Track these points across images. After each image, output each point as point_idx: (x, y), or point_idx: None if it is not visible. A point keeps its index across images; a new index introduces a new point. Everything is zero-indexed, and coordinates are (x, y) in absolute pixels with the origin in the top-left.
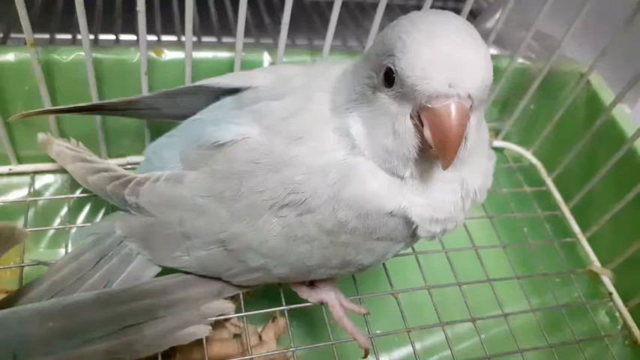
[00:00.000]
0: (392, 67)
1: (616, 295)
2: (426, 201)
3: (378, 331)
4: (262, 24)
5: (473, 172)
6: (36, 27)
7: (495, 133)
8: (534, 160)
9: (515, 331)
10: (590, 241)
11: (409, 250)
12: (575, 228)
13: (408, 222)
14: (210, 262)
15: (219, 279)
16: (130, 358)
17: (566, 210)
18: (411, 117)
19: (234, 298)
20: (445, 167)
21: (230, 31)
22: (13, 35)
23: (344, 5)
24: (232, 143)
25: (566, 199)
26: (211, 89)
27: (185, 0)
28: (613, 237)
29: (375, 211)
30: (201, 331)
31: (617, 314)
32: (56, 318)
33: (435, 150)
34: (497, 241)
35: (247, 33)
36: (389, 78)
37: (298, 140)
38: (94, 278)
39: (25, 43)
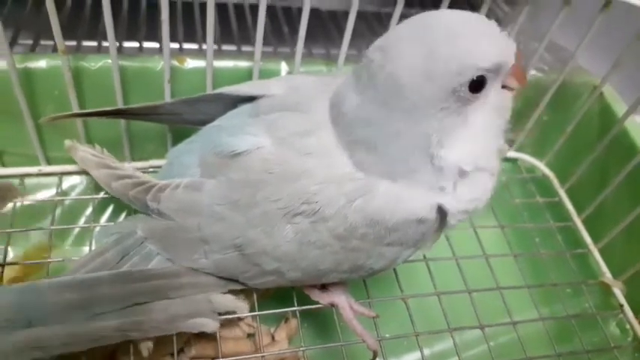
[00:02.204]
0: (479, 73)
1: (627, 307)
2: (472, 196)
3: (387, 335)
4: (281, 33)
5: None
6: (64, 34)
7: (509, 144)
8: (547, 171)
9: (524, 340)
10: (601, 252)
11: (420, 256)
12: (587, 239)
13: (434, 221)
14: (226, 265)
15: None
16: (139, 336)
17: (578, 221)
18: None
19: (247, 298)
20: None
21: (249, 40)
22: (42, 42)
23: (360, 15)
24: (247, 153)
25: (579, 210)
26: (230, 97)
27: (207, 11)
28: (625, 249)
29: (402, 218)
30: (210, 325)
31: (628, 326)
32: (72, 290)
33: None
34: (509, 250)
35: (266, 42)
36: (477, 84)
37: (309, 155)
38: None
39: (55, 50)
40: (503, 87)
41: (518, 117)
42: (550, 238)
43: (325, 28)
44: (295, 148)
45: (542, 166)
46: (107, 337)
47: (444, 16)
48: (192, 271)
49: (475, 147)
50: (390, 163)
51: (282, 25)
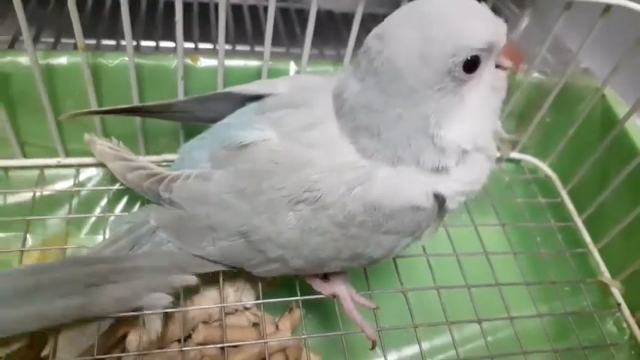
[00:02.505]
0: (472, 53)
1: (624, 306)
2: (470, 178)
3: (387, 325)
4: (293, 34)
5: None
6: (84, 32)
7: (512, 144)
8: (550, 172)
9: (521, 336)
10: (601, 252)
11: (420, 251)
12: (587, 239)
13: (431, 207)
14: (233, 252)
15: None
16: (101, 314)
17: (579, 221)
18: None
19: (253, 288)
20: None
21: (263, 40)
22: (63, 40)
23: (371, 17)
24: (254, 144)
25: (580, 210)
26: (238, 96)
27: (219, 12)
28: (624, 249)
29: (399, 205)
30: (162, 300)
31: (625, 324)
32: (29, 274)
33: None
34: (509, 249)
35: (278, 42)
36: (471, 64)
37: (313, 147)
38: None
39: (76, 48)
40: (497, 67)
41: (522, 119)
42: (551, 237)
43: (337, 29)
44: (300, 141)
45: (545, 168)
46: (69, 315)
47: (436, 1)
48: (140, 257)
49: (472, 126)
50: (393, 147)
51: (295, 26)
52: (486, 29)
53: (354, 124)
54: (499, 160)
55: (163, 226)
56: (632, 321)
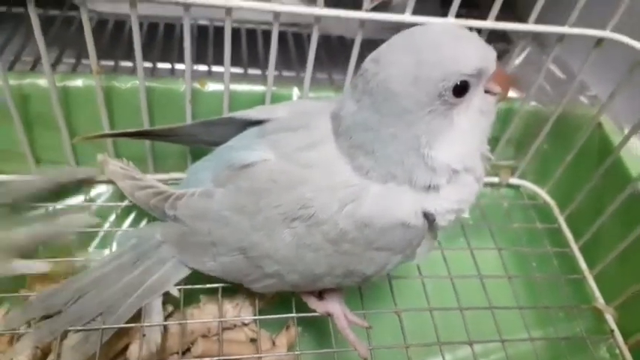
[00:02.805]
0: (461, 78)
1: (617, 333)
2: (459, 197)
3: (379, 345)
4: (304, 58)
5: None
6: (103, 54)
7: (511, 171)
8: (548, 199)
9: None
10: (596, 278)
11: (415, 272)
12: (583, 265)
13: (421, 226)
14: (232, 267)
15: None
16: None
17: (575, 247)
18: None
19: (251, 305)
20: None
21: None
22: (83, 61)
23: (374, 43)
24: (254, 165)
25: (577, 237)
26: (241, 120)
27: (225, 39)
28: (618, 276)
29: (389, 222)
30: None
31: (617, 351)
32: None
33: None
34: (504, 273)
35: (288, 67)
36: (460, 89)
37: (310, 167)
38: (132, 275)
39: (92, 71)
40: (487, 92)
41: (520, 146)
42: (547, 262)
43: (347, 55)
44: (296, 161)
45: (543, 194)
46: None
47: (430, 27)
48: None
49: (461, 147)
50: (387, 165)
51: (305, 51)
52: (476, 56)
53: (350, 142)
54: (498, 185)
55: (168, 241)
56: (624, 348)
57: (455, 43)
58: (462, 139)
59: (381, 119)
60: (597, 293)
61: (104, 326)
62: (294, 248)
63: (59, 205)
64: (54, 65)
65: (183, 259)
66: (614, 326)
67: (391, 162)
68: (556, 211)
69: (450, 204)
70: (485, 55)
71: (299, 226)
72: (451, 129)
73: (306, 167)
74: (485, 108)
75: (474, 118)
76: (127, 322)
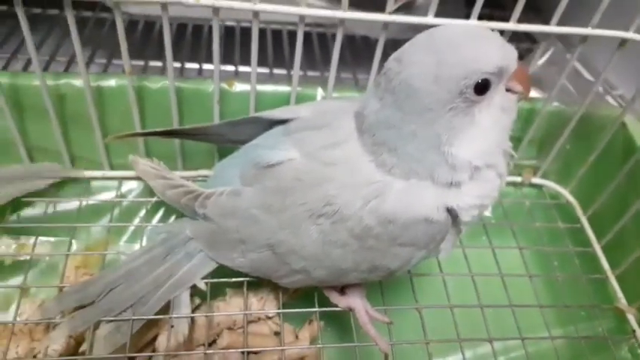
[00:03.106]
0: (483, 77)
1: (639, 333)
2: (479, 192)
3: (400, 340)
4: (328, 58)
5: None
6: (133, 54)
7: (534, 170)
8: (571, 199)
9: (534, 358)
10: (618, 278)
11: (437, 270)
12: (605, 265)
13: (444, 221)
14: (260, 264)
15: None
16: None
17: (597, 247)
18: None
19: (275, 299)
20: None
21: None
22: (114, 61)
23: (397, 43)
24: (280, 164)
25: (599, 237)
26: (266, 120)
27: (252, 40)
28: None
29: (411, 218)
30: None
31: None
32: None
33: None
34: (525, 272)
35: (313, 67)
36: (482, 87)
37: (334, 165)
38: (161, 268)
39: (124, 71)
40: (508, 90)
41: (543, 145)
42: (568, 262)
43: (372, 54)
44: (321, 159)
45: (566, 194)
46: None
47: (451, 27)
48: None
49: (482, 144)
50: (409, 161)
51: (330, 51)
52: (497, 55)
53: (374, 139)
54: (521, 184)
55: (198, 238)
56: None
57: (476, 43)
58: (484, 135)
59: (403, 117)
60: (619, 293)
61: (134, 317)
62: (320, 245)
63: (90, 201)
64: (87, 65)
65: (212, 256)
66: (635, 326)
67: (413, 159)
68: (578, 210)
69: (473, 199)
70: (505, 54)
71: (324, 223)
72: (472, 126)
73: (330, 165)
74: (506, 105)
75: (495, 115)
76: (156, 314)
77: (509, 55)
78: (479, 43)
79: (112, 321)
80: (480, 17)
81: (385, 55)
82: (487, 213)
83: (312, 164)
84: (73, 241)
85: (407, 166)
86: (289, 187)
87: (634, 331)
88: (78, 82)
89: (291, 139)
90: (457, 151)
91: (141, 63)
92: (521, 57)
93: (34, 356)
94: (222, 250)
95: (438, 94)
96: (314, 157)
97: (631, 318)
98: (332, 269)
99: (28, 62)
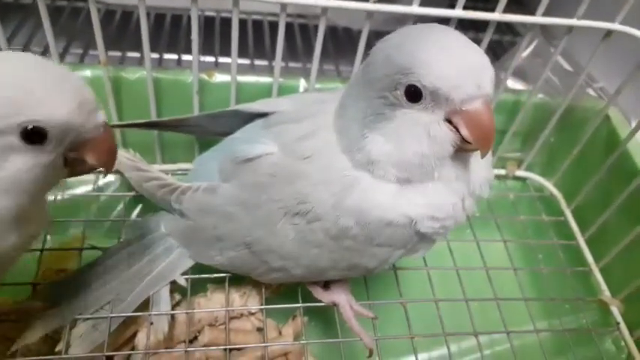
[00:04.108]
0: (416, 84)
1: (623, 325)
2: (428, 201)
3: (384, 335)
4: (310, 49)
5: (477, 167)
6: (110, 45)
7: (518, 163)
8: (555, 191)
9: (519, 351)
10: (602, 271)
11: (421, 264)
12: (589, 258)
13: (407, 226)
14: (238, 262)
15: None
16: None
17: (581, 240)
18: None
19: (258, 295)
20: (484, 156)
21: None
22: (91, 52)
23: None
24: (257, 158)
25: (583, 229)
26: (246, 113)
27: (232, 30)
28: (624, 269)
29: (376, 220)
30: None
31: (623, 343)
32: None
33: (472, 145)
34: (510, 265)
35: (295, 58)
36: (412, 94)
37: (309, 158)
38: (139, 264)
39: (100, 62)
40: (449, 121)
41: (527, 138)
42: (553, 255)
43: (354, 46)
44: (296, 153)
45: (550, 186)
46: None
47: (433, 28)
48: None
49: (395, 150)
50: (342, 134)
51: (312, 42)
52: (446, 73)
53: (337, 124)
54: (505, 177)
55: (174, 235)
56: (630, 340)
57: (436, 56)
58: (399, 142)
59: (352, 89)
60: (603, 286)
61: (112, 315)
62: (297, 244)
63: (66, 195)
64: (62, 55)
65: (190, 254)
66: (619, 319)
67: (342, 130)
68: (562, 203)
69: (424, 209)
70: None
71: (300, 223)
72: (390, 125)
73: (304, 159)
74: (434, 133)
75: (414, 131)
76: (134, 311)
77: (477, 79)
78: (439, 56)
79: (88, 319)
80: (464, 8)
81: (369, 47)
82: (447, 232)
83: (288, 159)
84: (48, 237)
85: (346, 144)
86: (264, 182)
87: (618, 323)
88: None
89: (271, 133)
90: (372, 137)
91: (118, 54)
92: (504, 49)
93: (13, 355)
94: (198, 247)
95: (379, 72)
96: (290, 150)
97: (615, 310)
98: (310, 268)
99: None
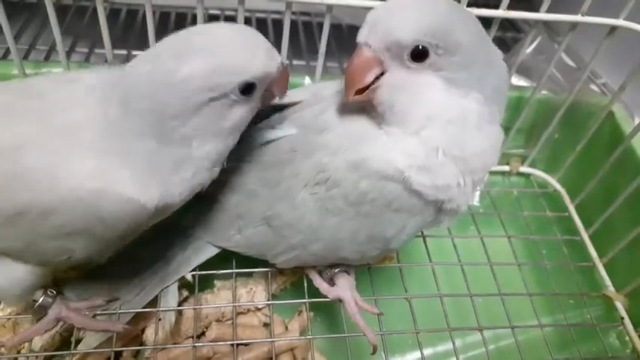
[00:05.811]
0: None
1: (627, 320)
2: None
3: (389, 330)
4: (315, 47)
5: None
6: (115, 43)
7: (522, 159)
8: (559, 187)
9: (523, 346)
10: (606, 266)
11: (426, 259)
12: (593, 253)
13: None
14: (257, 239)
15: None
16: None
17: (585, 235)
18: None
19: (266, 290)
20: (346, 100)
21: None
22: (96, 50)
23: None
24: (278, 139)
25: (587, 225)
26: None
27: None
28: (629, 264)
29: (375, 171)
30: None
31: (627, 338)
32: None
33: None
34: (514, 260)
35: (299, 56)
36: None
37: (326, 130)
38: (161, 260)
39: (106, 60)
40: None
41: (530, 134)
42: (557, 250)
43: None
44: (314, 127)
45: (554, 182)
46: None
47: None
48: None
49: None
50: None
51: (316, 39)
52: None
53: None
54: (509, 173)
55: (193, 222)
56: (634, 335)
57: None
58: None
59: None
60: (607, 281)
61: (120, 311)
62: (316, 214)
63: None
64: (68, 54)
65: (208, 239)
66: (624, 314)
67: None
68: (566, 199)
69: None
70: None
71: (319, 191)
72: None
73: (321, 132)
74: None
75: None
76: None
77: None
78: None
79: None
80: (468, 5)
81: None
82: (475, 202)
83: (307, 134)
84: None
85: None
86: (285, 158)
87: (622, 318)
88: (59, 71)
89: (289, 121)
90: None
91: (124, 52)
92: (507, 46)
93: (19, 351)
94: (218, 229)
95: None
96: (307, 127)
97: (619, 305)
98: (328, 241)
99: (8, 51)
